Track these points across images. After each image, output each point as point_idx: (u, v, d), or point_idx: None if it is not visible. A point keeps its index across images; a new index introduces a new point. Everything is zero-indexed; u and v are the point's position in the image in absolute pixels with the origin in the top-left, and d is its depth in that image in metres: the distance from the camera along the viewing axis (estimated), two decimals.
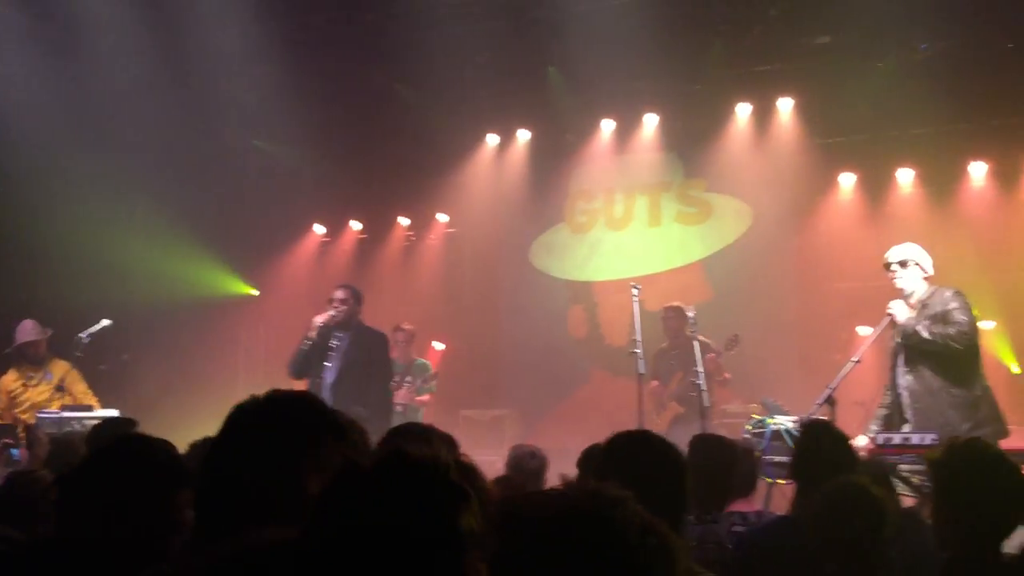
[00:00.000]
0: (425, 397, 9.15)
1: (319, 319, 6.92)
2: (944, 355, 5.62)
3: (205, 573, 0.85)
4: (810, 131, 9.86)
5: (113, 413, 7.23)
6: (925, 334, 5.63)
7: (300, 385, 6.85)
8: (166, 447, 2.14)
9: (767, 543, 3.34)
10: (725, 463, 3.79)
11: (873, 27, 8.71)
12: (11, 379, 7.62)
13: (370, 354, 6.93)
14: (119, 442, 2.17)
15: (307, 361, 6.90)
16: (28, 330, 7.61)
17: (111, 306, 8.07)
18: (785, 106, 9.94)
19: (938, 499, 2.91)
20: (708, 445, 4.00)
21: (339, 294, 7.08)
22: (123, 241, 9.94)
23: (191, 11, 8.68)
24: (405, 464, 0.86)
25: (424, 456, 0.88)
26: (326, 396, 6.64)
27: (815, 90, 9.68)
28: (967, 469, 2.84)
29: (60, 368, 7.61)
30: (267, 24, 8.91)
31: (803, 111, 9.88)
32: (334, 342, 6.93)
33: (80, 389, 7.58)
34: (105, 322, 7.54)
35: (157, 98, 9.43)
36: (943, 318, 5.64)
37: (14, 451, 5.63)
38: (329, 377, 6.82)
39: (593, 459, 2.97)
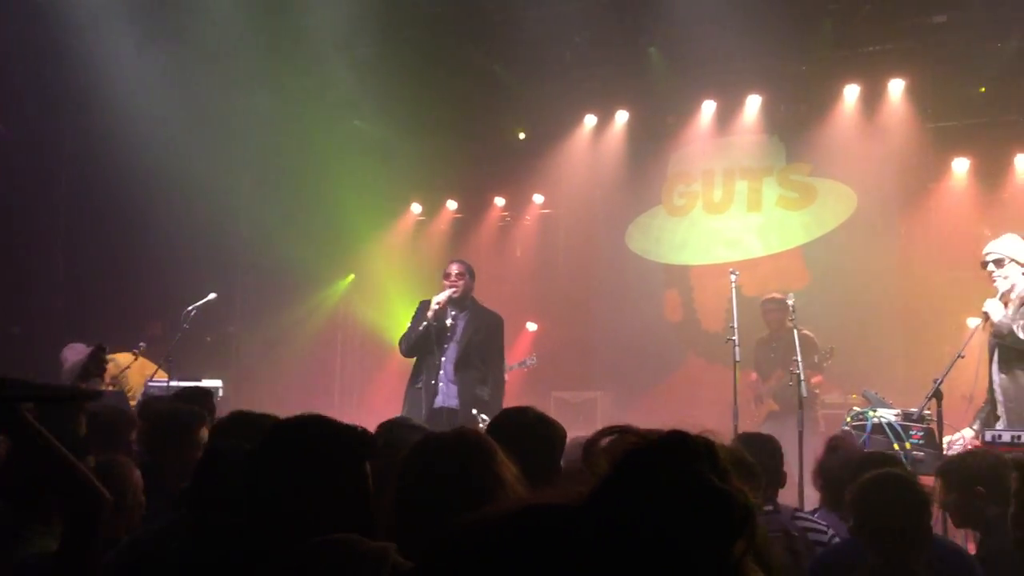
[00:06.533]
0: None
1: (439, 298, 6.74)
2: None
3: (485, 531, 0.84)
4: (922, 114, 9.49)
5: (217, 383, 7.54)
6: (1020, 334, 5.39)
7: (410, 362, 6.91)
8: (350, 426, 2.18)
9: None
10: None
11: (994, 5, 8.30)
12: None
13: (489, 336, 6.83)
14: (301, 418, 2.22)
15: (422, 341, 6.75)
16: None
17: (217, 282, 8.35)
18: (896, 88, 9.56)
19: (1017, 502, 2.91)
20: None
21: (454, 268, 6.93)
22: (231, 219, 10.26)
23: None
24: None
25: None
26: (446, 377, 6.68)
27: (929, 71, 9.29)
28: None
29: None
30: (367, 5, 8.98)
31: (915, 93, 9.49)
32: (449, 320, 6.81)
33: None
34: (211, 295, 7.79)
35: (262, 83, 9.65)
36: None
37: None
38: (450, 358, 6.72)
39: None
